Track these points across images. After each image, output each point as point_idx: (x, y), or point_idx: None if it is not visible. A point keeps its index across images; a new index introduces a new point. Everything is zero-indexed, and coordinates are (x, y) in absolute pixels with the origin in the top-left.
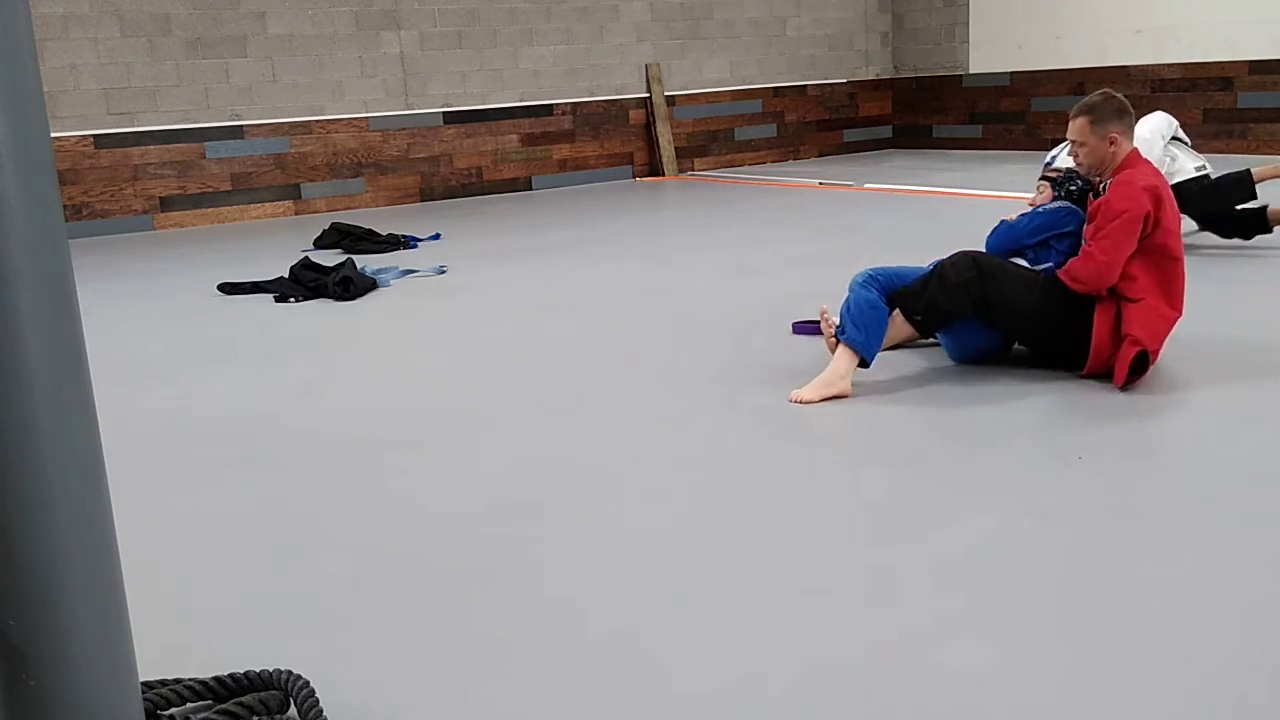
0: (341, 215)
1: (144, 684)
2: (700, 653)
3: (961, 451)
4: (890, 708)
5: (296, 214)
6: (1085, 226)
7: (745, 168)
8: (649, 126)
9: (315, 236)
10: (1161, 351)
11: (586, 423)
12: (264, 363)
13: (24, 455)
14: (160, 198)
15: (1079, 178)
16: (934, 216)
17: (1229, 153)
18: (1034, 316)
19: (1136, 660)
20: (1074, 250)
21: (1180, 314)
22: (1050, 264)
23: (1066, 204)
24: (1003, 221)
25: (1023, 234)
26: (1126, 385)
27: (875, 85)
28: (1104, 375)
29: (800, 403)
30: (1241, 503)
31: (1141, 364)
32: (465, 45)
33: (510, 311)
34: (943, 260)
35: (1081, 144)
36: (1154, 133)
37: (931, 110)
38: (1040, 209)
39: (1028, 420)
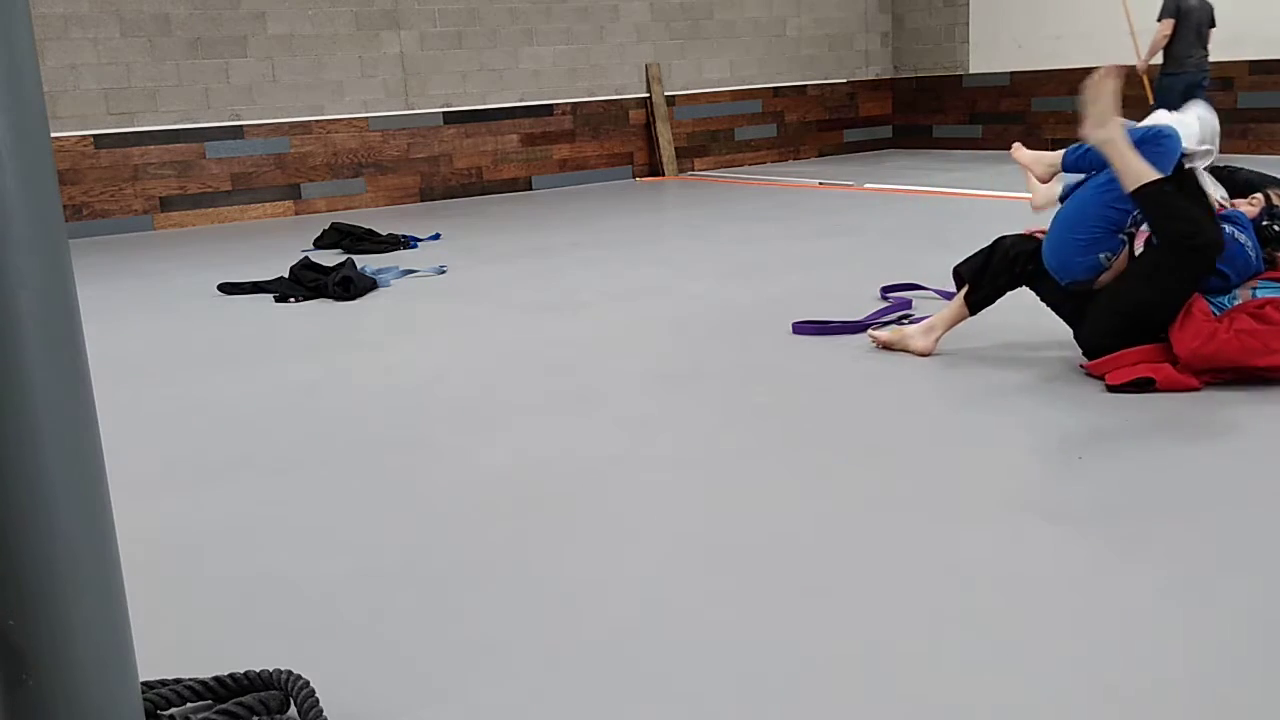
0: (341, 215)
1: (144, 684)
2: (700, 652)
3: (961, 451)
4: (890, 707)
5: (296, 214)
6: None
7: (745, 168)
8: (649, 126)
9: (315, 236)
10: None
11: (586, 422)
12: (264, 363)
13: (24, 455)
14: (160, 198)
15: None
16: (934, 216)
17: (1229, 152)
18: (1130, 295)
19: (1136, 660)
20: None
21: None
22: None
23: (1243, 243)
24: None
25: None
26: (1117, 389)
27: (875, 85)
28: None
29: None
30: (1242, 503)
31: (1144, 385)
32: (465, 45)
33: (510, 311)
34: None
35: None
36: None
37: (931, 110)
38: (1239, 227)
39: (1028, 420)
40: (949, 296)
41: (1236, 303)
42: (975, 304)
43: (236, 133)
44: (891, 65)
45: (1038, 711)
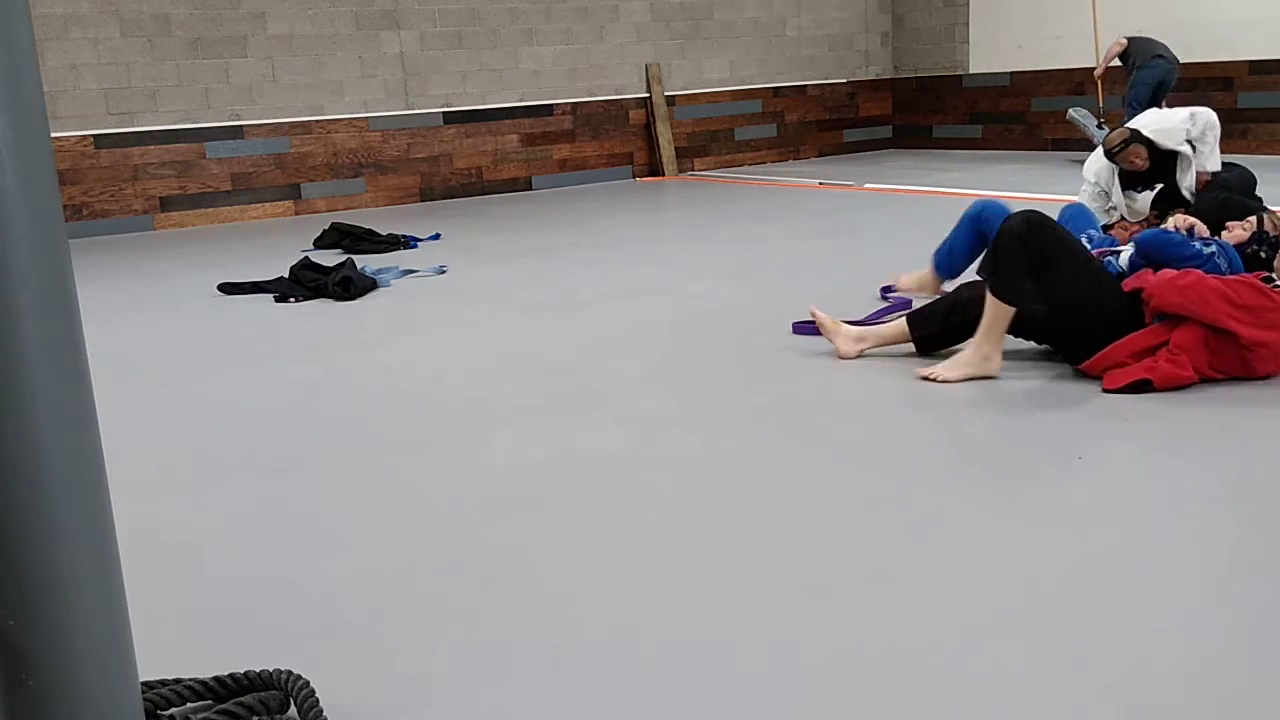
0: (341, 215)
1: (144, 684)
2: (700, 652)
3: (961, 451)
4: (890, 707)
5: (296, 214)
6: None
7: (745, 168)
8: (649, 126)
9: (315, 236)
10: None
11: (586, 423)
12: (264, 363)
13: (24, 455)
14: (160, 198)
15: (1271, 245)
16: (934, 216)
17: (1229, 152)
18: (1077, 310)
19: (1135, 660)
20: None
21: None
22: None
23: (1211, 253)
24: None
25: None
26: (1115, 391)
27: (875, 85)
28: (1101, 374)
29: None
30: (1242, 503)
31: (1141, 387)
32: (465, 45)
33: (510, 311)
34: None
35: None
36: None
37: (931, 110)
38: (1219, 250)
39: (1027, 420)
40: None
41: None
42: (919, 342)
43: (236, 133)
44: (891, 65)
45: (1039, 712)
